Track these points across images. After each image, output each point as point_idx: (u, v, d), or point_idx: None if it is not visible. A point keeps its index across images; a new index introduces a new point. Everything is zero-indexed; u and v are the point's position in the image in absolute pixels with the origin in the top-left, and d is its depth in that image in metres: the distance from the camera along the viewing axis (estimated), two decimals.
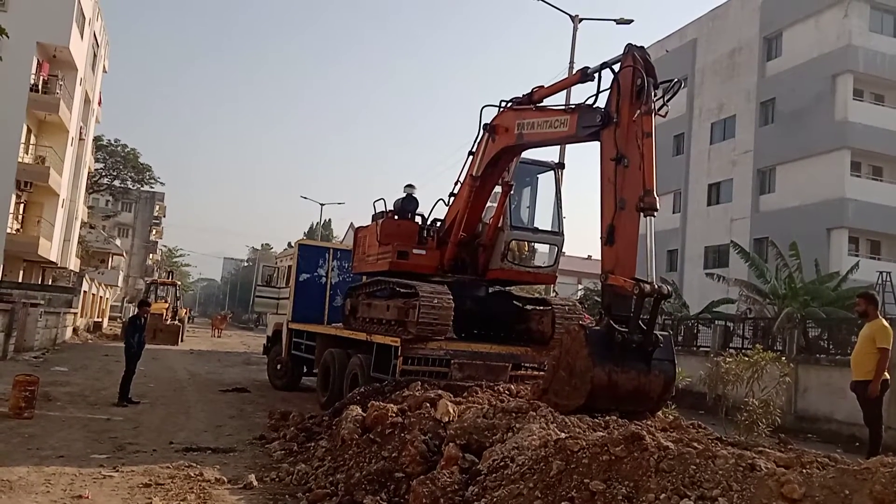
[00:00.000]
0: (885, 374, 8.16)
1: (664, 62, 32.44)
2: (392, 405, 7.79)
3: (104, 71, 42.51)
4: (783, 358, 11.30)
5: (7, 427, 8.89)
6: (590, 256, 57.45)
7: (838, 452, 7.72)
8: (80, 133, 35.95)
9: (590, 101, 8.28)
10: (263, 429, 9.92)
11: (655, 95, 7.51)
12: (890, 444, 8.88)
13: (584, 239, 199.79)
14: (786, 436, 8.86)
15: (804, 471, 4.14)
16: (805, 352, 16.48)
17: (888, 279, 23.65)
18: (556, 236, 11.50)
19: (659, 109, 7.55)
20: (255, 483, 6.92)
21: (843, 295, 19.33)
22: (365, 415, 7.73)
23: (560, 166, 11.91)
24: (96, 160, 49.22)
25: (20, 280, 30.43)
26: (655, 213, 7.24)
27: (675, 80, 7.84)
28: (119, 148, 53.46)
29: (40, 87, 28.75)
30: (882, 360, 7.98)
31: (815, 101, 30.56)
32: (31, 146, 29.92)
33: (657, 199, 7.22)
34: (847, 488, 3.83)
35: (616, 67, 7.93)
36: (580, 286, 42.72)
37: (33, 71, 28.26)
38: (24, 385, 9.79)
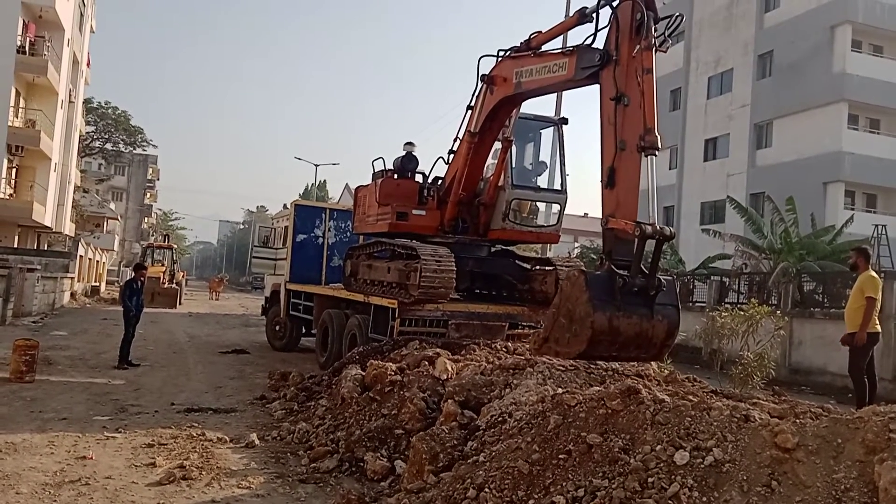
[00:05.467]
0: (877, 325, 8.23)
1: (662, 13, 31.81)
2: (391, 364, 7.85)
3: (91, 31, 41.69)
4: (778, 312, 11.39)
5: (9, 391, 8.96)
6: (586, 214, 57.42)
7: (831, 403, 7.84)
8: (70, 95, 35.39)
9: (588, 42, 7.91)
10: (264, 389, 10.00)
11: (656, 30, 7.21)
12: (883, 396, 9.02)
13: (580, 196, 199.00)
14: (780, 388, 9.01)
15: (798, 421, 4.19)
16: (800, 305, 16.59)
17: (883, 232, 23.68)
18: (558, 194, 11.24)
19: (660, 45, 7.23)
20: (257, 442, 7.01)
21: (839, 248, 19.40)
22: (364, 374, 7.80)
23: (563, 122, 11.47)
24: (87, 123, 48.59)
25: (16, 245, 30.28)
26: (657, 153, 6.98)
27: (677, 14, 7.51)
28: (110, 110, 52.77)
29: (27, 48, 28.17)
30: (868, 308, 8.02)
31: (814, 53, 30.19)
32: (20, 109, 29.49)
33: (658, 137, 6.97)
34: (840, 437, 3.89)
35: (615, 3, 7.58)
36: (576, 244, 42.70)
37: (19, 32, 27.68)
38: (25, 349, 9.84)
